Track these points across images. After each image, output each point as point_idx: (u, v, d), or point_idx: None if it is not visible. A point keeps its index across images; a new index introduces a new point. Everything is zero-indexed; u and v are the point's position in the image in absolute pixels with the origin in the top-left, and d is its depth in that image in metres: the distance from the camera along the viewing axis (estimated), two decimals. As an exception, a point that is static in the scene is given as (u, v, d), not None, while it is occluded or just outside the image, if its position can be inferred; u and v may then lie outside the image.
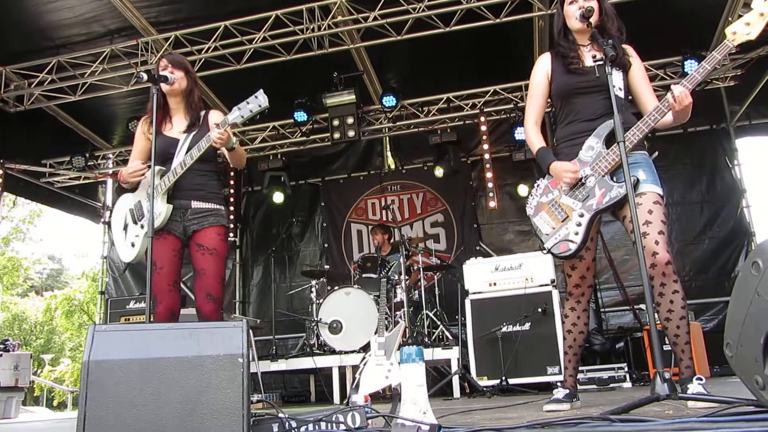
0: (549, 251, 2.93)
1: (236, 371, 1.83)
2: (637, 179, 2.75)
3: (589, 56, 2.96)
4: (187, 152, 3.21)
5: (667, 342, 2.84)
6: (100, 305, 9.69)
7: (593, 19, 2.85)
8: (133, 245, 3.31)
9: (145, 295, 2.95)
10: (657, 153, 3.05)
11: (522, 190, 8.32)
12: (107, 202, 9.99)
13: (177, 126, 3.37)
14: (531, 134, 3.11)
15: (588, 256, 2.99)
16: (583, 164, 2.87)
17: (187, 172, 3.19)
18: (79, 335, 27.12)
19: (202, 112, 3.42)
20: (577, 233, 2.83)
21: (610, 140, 2.80)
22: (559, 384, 3.22)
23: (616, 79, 2.78)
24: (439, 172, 8.52)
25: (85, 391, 1.75)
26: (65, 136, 8.70)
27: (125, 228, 3.40)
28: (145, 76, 3.12)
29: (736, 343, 1.90)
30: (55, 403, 26.83)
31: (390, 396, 5.11)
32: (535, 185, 3.06)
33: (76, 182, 9.43)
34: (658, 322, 2.70)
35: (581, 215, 2.83)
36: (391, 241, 7.49)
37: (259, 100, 3.02)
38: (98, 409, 1.75)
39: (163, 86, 3.23)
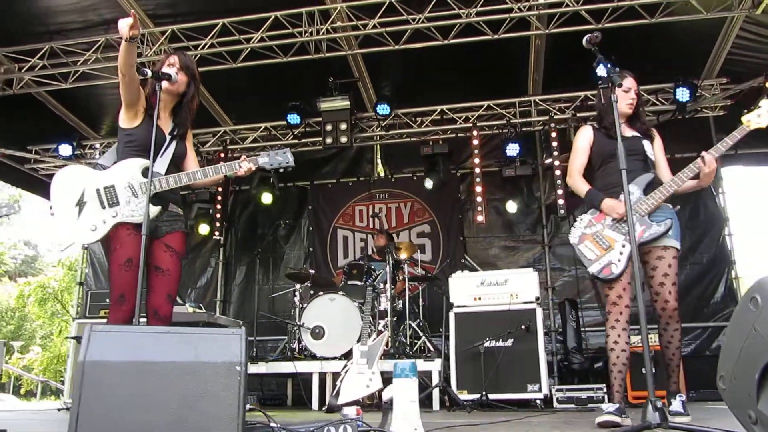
0: (594, 276, 3.50)
1: (233, 379, 1.81)
2: (672, 224, 3.42)
3: (624, 129, 3.57)
4: (172, 161, 3.23)
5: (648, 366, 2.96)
6: (78, 296, 9.54)
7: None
8: (95, 229, 3.09)
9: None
10: (679, 207, 3.61)
11: (510, 206, 8.38)
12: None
13: (164, 124, 3.28)
14: (578, 181, 3.74)
15: (624, 279, 3.46)
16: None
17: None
18: (51, 324, 26.71)
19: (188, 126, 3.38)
20: (619, 260, 3.43)
21: (647, 189, 3.50)
22: (605, 398, 3.76)
23: (647, 147, 3.63)
24: (428, 183, 8.51)
25: (80, 391, 1.72)
26: (53, 124, 8.55)
27: (80, 204, 3.12)
28: (149, 72, 3.06)
29: (730, 376, 1.93)
30: (22, 391, 26.41)
31: (370, 404, 5.10)
32: (579, 218, 3.68)
33: (62, 170, 9.28)
34: (656, 344, 3.59)
35: (623, 246, 3.43)
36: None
37: (288, 157, 3.38)
38: (91, 410, 1.72)
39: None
